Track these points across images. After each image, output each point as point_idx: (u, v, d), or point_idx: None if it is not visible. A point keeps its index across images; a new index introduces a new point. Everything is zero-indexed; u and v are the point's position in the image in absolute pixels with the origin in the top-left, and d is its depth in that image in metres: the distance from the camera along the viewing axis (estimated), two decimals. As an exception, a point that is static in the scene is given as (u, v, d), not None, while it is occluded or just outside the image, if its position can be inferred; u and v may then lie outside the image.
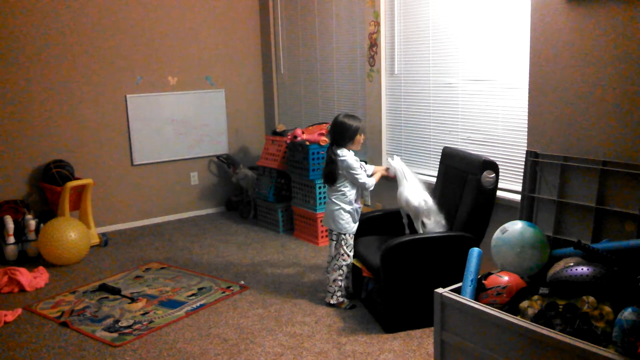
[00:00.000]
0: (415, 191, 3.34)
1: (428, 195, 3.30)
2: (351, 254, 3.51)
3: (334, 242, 3.51)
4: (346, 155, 3.42)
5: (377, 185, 4.13)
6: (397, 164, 3.46)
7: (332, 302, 3.51)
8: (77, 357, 3.03)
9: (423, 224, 3.28)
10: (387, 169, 3.62)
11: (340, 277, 3.49)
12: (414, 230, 3.45)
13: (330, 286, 3.51)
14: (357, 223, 3.52)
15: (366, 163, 4.64)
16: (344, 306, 3.49)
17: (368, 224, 3.64)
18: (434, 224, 3.26)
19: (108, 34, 5.13)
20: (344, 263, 3.48)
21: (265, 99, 6.14)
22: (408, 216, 3.46)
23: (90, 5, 5.02)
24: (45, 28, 4.86)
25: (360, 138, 3.47)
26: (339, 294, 3.50)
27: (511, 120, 3.49)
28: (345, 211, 3.45)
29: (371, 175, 3.58)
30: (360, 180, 3.44)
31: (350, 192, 3.46)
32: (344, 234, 3.47)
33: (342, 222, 3.45)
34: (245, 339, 3.16)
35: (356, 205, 3.50)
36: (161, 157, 5.55)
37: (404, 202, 3.37)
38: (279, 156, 5.14)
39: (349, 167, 3.40)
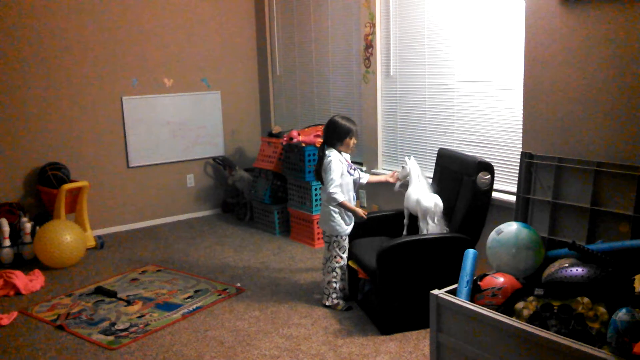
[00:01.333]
0: (427, 193, 3.35)
1: (439, 198, 3.30)
2: (344, 255, 3.50)
3: (327, 244, 3.51)
4: (331, 156, 3.38)
5: (373, 187, 4.13)
6: (412, 164, 3.47)
7: (327, 304, 3.51)
8: (73, 361, 3.03)
9: (427, 225, 3.28)
10: (393, 175, 3.63)
11: (334, 279, 3.49)
12: (412, 232, 3.45)
13: (326, 288, 3.51)
14: (352, 225, 3.50)
15: (362, 165, 4.68)
16: (340, 308, 3.49)
17: (364, 226, 3.63)
18: (437, 226, 3.26)
19: (104, 36, 5.12)
20: (337, 265, 3.48)
21: (261, 100, 6.14)
22: (409, 217, 3.46)
23: (86, 7, 5.01)
24: (41, 30, 4.84)
25: (350, 141, 3.43)
26: (334, 295, 3.50)
27: (506, 122, 3.50)
28: (335, 213, 3.43)
29: (366, 183, 3.59)
30: (328, 187, 3.34)
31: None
32: (336, 236, 3.46)
33: (332, 224, 3.44)
34: (242, 342, 3.16)
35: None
36: (157, 159, 5.54)
37: (413, 202, 3.36)
38: (275, 158, 5.13)
39: (326, 168, 3.36)
